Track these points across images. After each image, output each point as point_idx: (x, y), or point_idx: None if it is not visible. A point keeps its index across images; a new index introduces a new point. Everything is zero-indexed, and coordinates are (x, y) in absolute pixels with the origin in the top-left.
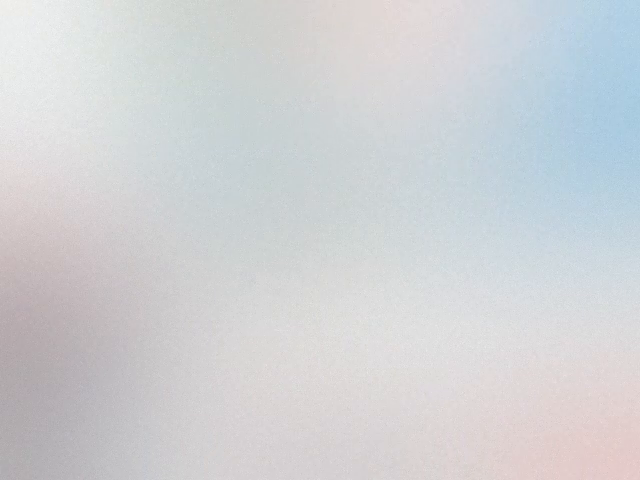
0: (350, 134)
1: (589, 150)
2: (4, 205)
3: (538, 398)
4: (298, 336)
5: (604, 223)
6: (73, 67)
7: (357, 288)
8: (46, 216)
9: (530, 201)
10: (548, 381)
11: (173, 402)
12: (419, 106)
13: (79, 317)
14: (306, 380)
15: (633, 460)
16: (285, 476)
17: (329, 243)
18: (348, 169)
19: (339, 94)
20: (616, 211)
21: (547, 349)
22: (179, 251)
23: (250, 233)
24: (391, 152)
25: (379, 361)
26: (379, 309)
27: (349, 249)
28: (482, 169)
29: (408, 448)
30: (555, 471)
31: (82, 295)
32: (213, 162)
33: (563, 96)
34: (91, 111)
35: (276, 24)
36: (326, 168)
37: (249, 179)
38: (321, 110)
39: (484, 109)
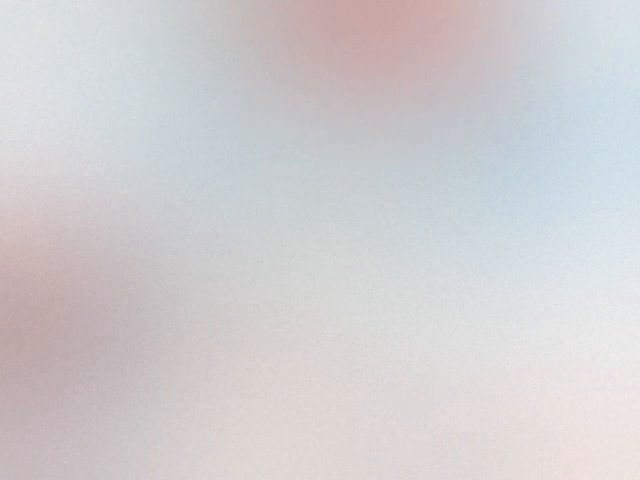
0: (349, 134)
1: (589, 150)
2: (4, 205)
3: (538, 398)
4: (298, 336)
5: (604, 223)
6: (73, 67)
7: (357, 287)
8: (46, 216)
9: (530, 201)
10: (548, 381)
11: (173, 402)
12: (419, 106)
13: (79, 317)
14: (306, 380)
15: (633, 460)
16: (285, 476)
17: (329, 243)
18: (348, 168)
19: (339, 94)
20: (616, 211)
21: (547, 349)
22: (179, 251)
23: (250, 233)
24: (391, 151)
25: (379, 361)
26: (379, 309)
27: (349, 248)
28: (482, 169)
29: (408, 448)
30: (555, 471)
31: (82, 295)
32: (213, 162)
33: (563, 96)
34: (91, 111)
35: (276, 24)
36: (326, 167)
37: (249, 179)
38: (321, 110)
39: (484, 110)
